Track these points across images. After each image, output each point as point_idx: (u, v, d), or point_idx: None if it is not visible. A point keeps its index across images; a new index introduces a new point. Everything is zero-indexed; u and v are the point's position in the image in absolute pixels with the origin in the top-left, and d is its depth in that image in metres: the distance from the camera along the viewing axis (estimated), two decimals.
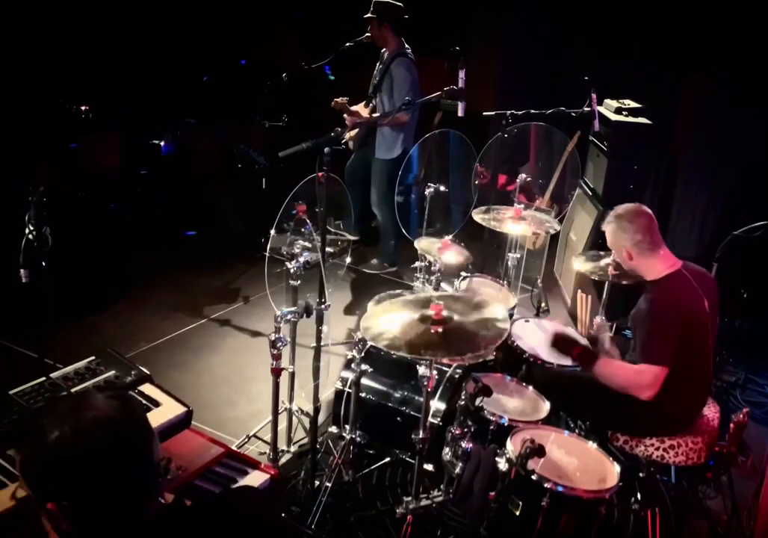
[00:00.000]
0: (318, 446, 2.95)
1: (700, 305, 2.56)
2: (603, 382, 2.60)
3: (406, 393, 2.93)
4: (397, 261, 5.25)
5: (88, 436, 1.20)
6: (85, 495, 1.22)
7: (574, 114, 3.73)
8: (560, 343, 2.77)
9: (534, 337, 3.23)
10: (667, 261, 2.61)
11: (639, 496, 2.81)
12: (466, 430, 2.50)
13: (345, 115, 4.85)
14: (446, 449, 2.56)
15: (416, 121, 5.02)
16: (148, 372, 2.21)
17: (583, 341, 2.96)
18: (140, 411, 1.32)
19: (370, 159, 5.05)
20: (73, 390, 2.00)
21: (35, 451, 1.23)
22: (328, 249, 2.61)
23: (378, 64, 4.95)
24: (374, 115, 4.88)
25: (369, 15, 4.70)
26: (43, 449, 1.21)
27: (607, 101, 4.59)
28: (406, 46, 4.84)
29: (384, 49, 4.86)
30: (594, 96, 3.67)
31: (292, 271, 2.90)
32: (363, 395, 2.93)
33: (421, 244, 3.56)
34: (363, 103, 5.04)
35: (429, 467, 2.77)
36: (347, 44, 4.68)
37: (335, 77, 6.44)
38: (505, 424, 2.55)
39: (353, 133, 5.01)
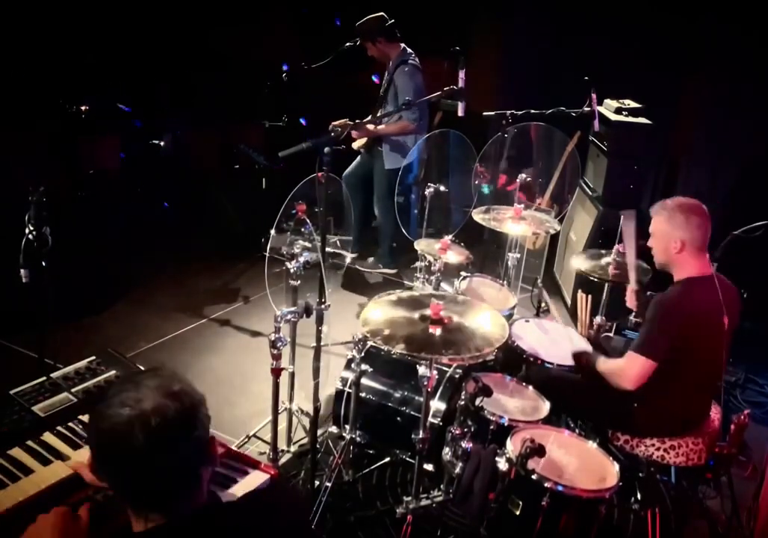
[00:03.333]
0: (318, 446, 2.95)
1: (715, 313, 2.52)
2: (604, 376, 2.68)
3: (406, 393, 2.93)
4: (393, 265, 5.23)
5: (116, 432, 1.21)
6: (127, 481, 1.25)
7: (574, 114, 3.73)
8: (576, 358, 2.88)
9: (534, 337, 3.24)
10: (704, 265, 2.59)
11: (639, 496, 2.82)
12: (466, 430, 2.50)
13: (353, 132, 4.79)
14: (446, 449, 2.56)
15: (426, 129, 4.95)
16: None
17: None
18: (184, 415, 1.29)
19: (370, 166, 5.03)
20: (73, 390, 2.00)
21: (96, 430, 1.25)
22: (328, 249, 2.61)
23: (386, 74, 4.90)
24: (379, 125, 4.83)
25: (360, 42, 4.65)
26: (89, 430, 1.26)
27: (607, 101, 4.59)
28: (409, 50, 4.77)
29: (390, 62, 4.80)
30: (594, 96, 3.67)
31: (291, 271, 2.90)
32: (363, 395, 2.93)
33: (421, 245, 3.56)
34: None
35: (429, 467, 2.77)
36: (347, 44, 4.67)
37: (335, 77, 6.43)
38: (505, 424, 2.55)
39: (363, 141, 4.97)
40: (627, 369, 2.55)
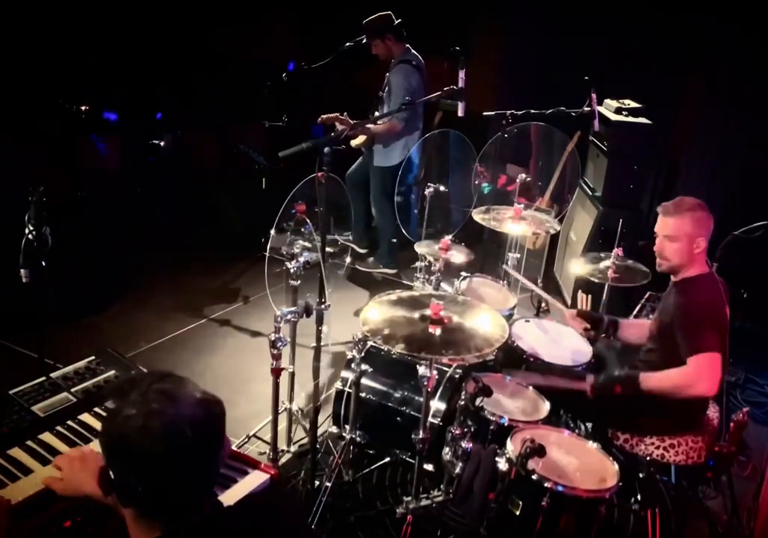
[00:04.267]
0: (318, 446, 2.95)
1: (724, 308, 2.55)
2: (658, 394, 2.51)
3: (406, 393, 2.93)
4: (393, 264, 5.21)
5: (159, 437, 1.19)
6: (135, 486, 1.23)
7: (574, 114, 3.72)
8: (599, 392, 2.63)
9: (534, 337, 3.24)
10: (705, 264, 2.61)
11: (639, 496, 2.81)
12: (466, 430, 2.50)
13: (337, 124, 4.78)
14: (446, 449, 2.56)
15: (420, 130, 4.95)
16: (146, 371, 2.21)
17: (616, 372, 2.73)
18: (220, 417, 1.29)
19: (369, 165, 5.04)
20: (73, 390, 2.00)
21: (112, 434, 1.23)
22: (328, 249, 2.61)
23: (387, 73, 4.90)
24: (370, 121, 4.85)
25: (367, 39, 4.64)
26: (122, 437, 1.21)
27: (607, 101, 4.59)
28: (413, 52, 4.77)
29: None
30: (594, 96, 3.67)
31: (291, 271, 2.90)
32: (363, 395, 2.92)
33: (421, 247, 3.56)
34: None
35: (429, 467, 2.77)
36: (347, 44, 4.67)
37: (334, 77, 6.43)
38: (505, 424, 2.54)
39: (361, 140, 4.97)
40: (700, 373, 2.41)
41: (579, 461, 2.37)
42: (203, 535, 1.27)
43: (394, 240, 5.13)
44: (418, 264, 3.59)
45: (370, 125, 4.80)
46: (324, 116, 4.81)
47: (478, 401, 2.41)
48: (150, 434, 1.19)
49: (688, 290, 2.60)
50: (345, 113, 4.83)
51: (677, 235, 2.56)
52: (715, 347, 2.41)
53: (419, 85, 4.69)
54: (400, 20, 4.69)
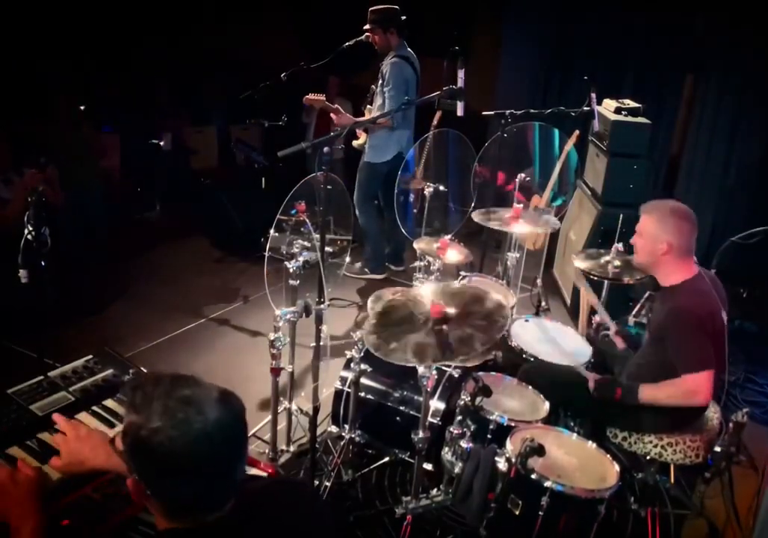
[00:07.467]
0: (317, 446, 2.94)
1: (718, 309, 2.55)
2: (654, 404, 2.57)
3: (405, 392, 2.92)
4: (381, 269, 5.15)
5: (191, 446, 1.19)
6: (173, 494, 1.24)
7: (573, 114, 3.73)
8: (600, 389, 2.67)
9: (534, 336, 3.23)
10: (691, 269, 2.61)
11: (638, 496, 2.81)
12: (465, 429, 2.49)
13: (332, 115, 4.74)
14: (446, 449, 2.56)
15: (411, 128, 4.94)
16: (145, 370, 2.21)
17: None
18: (243, 413, 1.32)
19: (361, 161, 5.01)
20: (71, 389, 1.99)
21: (137, 441, 1.21)
22: (328, 249, 2.60)
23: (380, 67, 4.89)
24: (366, 117, 4.83)
25: (371, 26, 4.62)
26: (146, 446, 1.20)
27: (607, 101, 4.59)
28: (408, 49, 4.76)
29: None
30: (593, 96, 3.67)
31: (291, 270, 2.89)
32: (362, 394, 2.92)
33: (420, 244, 3.56)
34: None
35: (428, 466, 2.76)
36: (346, 44, 4.66)
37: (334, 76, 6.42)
38: (505, 424, 2.54)
39: (363, 139, 4.95)
40: (696, 390, 2.47)
41: (579, 461, 2.37)
42: (227, 532, 1.26)
43: (383, 243, 5.07)
44: (417, 263, 3.58)
45: (361, 118, 4.77)
46: (311, 96, 4.72)
47: (477, 401, 2.41)
48: (181, 445, 1.18)
49: (675, 298, 2.59)
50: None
51: (641, 231, 2.65)
52: (710, 362, 2.45)
53: (412, 78, 4.69)
54: (404, 17, 4.69)
